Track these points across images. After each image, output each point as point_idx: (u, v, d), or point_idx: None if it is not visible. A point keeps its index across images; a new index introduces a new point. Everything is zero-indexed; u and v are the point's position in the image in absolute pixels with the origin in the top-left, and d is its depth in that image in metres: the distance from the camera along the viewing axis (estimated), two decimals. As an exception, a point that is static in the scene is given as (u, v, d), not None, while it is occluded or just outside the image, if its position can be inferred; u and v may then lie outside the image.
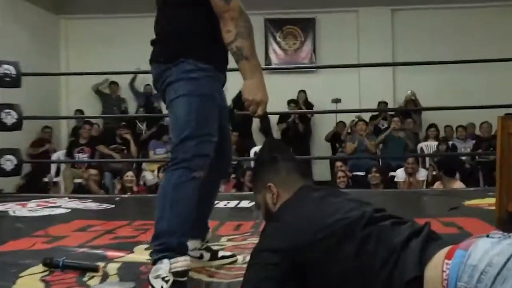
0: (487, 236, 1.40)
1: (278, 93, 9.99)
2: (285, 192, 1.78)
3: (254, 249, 1.65)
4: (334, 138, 9.60)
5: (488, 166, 7.92)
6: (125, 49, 10.00)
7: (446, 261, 1.37)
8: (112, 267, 2.32)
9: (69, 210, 4.02)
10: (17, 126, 4.93)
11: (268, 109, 7.90)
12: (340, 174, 6.71)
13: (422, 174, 7.40)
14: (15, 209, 4.06)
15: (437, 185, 6.33)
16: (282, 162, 1.84)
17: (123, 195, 5.55)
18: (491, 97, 7.92)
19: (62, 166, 8.42)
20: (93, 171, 6.71)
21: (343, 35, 10.37)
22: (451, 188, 5.74)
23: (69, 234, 3.10)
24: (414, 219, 1.66)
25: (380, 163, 8.17)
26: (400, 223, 1.58)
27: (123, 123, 9.20)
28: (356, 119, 9.13)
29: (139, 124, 9.77)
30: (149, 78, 10.16)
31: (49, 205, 4.28)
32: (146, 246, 2.70)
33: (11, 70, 4.86)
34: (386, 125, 9.36)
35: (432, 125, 9.47)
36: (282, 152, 1.91)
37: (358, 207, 1.63)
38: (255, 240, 2.76)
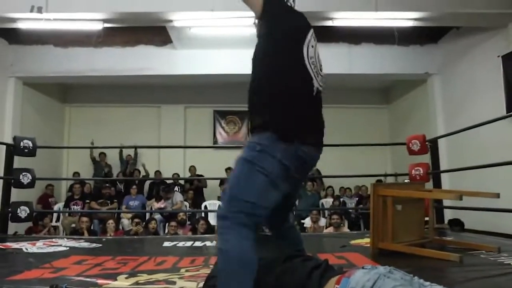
0: (363, 267, 1.48)
1: (223, 163, 10.31)
2: None
3: (210, 273, 1.65)
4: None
5: (367, 216, 8.34)
6: (112, 129, 10.22)
7: (336, 286, 1.45)
8: None
9: (68, 248, 3.90)
10: (31, 185, 4.83)
11: (214, 175, 7.93)
12: None
13: (322, 222, 7.54)
14: (27, 247, 3.91)
15: (331, 229, 6.41)
16: None
17: (107, 237, 5.40)
18: (368, 169, 8.53)
19: (61, 214, 8.24)
20: (84, 219, 6.49)
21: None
22: (341, 232, 5.93)
23: (69, 266, 3.01)
24: (317, 255, 1.78)
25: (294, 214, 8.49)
26: (307, 260, 1.63)
27: (107, 184, 9.02)
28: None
29: (119, 184, 9.64)
30: (129, 151, 10.80)
31: (52, 244, 4.14)
32: (126, 275, 2.65)
33: (29, 143, 4.83)
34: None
35: (330, 187, 9.78)
36: None
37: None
38: (206, 270, 2.74)
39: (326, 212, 8.53)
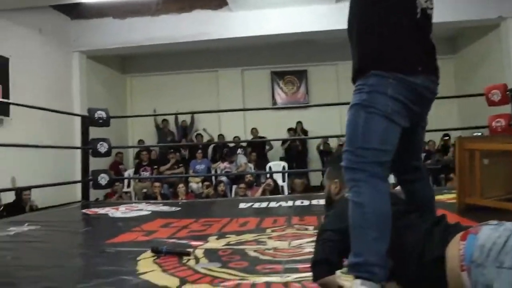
0: (487, 224, 1.39)
1: (283, 123, 10.21)
2: (344, 189, 1.80)
3: (320, 228, 1.63)
4: (322, 154, 9.65)
5: (436, 171, 8.02)
6: (172, 96, 10.43)
7: (461, 242, 1.37)
8: (199, 253, 2.29)
9: (150, 212, 4.03)
10: (108, 153, 5.02)
11: (275, 136, 7.96)
12: None
13: (391, 179, 7.35)
14: (112, 212, 4.08)
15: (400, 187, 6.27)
16: None
17: (183, 200, 5.55)
18: (433, 124, 8.30)
19: (132, 180, 8.58)
20: (157, 184, 6.77)
21: (327, 82, 10.48)
22: None
23: (157, 229, 3.09)
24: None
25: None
26: (425, 215, 1.57)
27: (171, 150, 9.23)
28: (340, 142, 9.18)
29: (183, 150, 9.91)
30: (185, 117, 11.04)
31: (134, 208, 4.29)
32: (215, 237, 2.71)
33: (103, 114, 4.97)
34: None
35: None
36: None
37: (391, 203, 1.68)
38: (291, 230, 2.82)
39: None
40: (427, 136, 9.04)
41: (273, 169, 8.51)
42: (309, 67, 10.74)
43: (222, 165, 8.35)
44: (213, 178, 8.08)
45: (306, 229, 2.86)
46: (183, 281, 1.78)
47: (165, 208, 4.27)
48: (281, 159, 9.86)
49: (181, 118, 10.54)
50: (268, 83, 10.80)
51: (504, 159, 3.28)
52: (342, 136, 9.51)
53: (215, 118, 10.58)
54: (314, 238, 2.34)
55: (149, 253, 2.29)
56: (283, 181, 8.20)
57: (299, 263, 2.01)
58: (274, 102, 10.69)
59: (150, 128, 10.59)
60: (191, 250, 2.32)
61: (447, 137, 9.40)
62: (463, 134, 9.18)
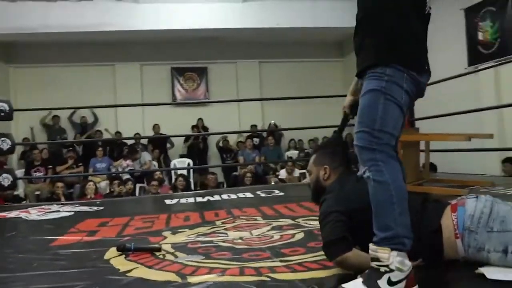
0: (467, 197, 1.60)
1: (183, 120, 10.00)
2: (334, 174, 1.88)
3: (323, 211, 1.68)
4: (222, 151, 9.58)
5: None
6: (63, 91, 9.56)
7: (452, 214, 1.58)
8: (167, 248, 2.19)
9: (72, 212, 3.69)
10: (11, 150, 4.45)
11: (175, 132, 7.88)
12: (248, 174, 6.83)
13: (296, 173, 7.59)
14: (25, 215, 3.61)
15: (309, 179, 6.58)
16: (338, 155, 1.91)
17: (98, 200, 5.03)
18: (323, 121, 8.52)
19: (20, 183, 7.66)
20: (60, 184, 6.28)
21: (227, 79, 10.56)
22: None
23: (98, 229, 2.87)
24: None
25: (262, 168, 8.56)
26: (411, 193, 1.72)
27: (70, 148, 8.62)
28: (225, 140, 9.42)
29: (77, 147, 9.26)
30: (84, 112, 10.25)
31: (49, 210, 3.86)
32: (169, 232, 2.63)
33: (5, 107, 4.38)
34: (258, 142, 9.68)
35: (292, 140, 9.97)
36: (340, 148, 1.96)
37: None
38: (242, 222, 2.80)
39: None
40: (324, 132, 9.66)
41: (178, 166, 8.33)
42: (209, 65, 10.70)
43: (125, 163, 7.93)
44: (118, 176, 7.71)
45: (256, 219, 2.87)
46: (181, 275, 1.71)
47: (86, 208, 3.97)
48: (181, 156, 9.71)
49: (78, 115, 9.79)
50: (168, 79, 10.55)
51: (411, 149, 3.63)
52: (243, 132, 9.76)
53: (112, 114, 10.01)
54: (270, 227, 2.46)
55: (114, 252, 2.15)
56: (189, 178, 8.03)
57: (282, 248, 2.06)
58: (174, 99, 10.52)
59: (37, 124, 9.57)
60: (160, 245, 2.20)
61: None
62: (352, 132, 10.00)
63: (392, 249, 1.38)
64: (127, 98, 9.51)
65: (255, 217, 2.96)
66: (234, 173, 8.69)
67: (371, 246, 1.42)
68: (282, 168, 7.95)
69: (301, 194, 3.95)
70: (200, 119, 10.02)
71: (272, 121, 10.17)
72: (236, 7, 8.26)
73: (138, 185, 7.56)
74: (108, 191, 6.69)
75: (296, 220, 2.73)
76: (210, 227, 2.73)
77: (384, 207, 1.43)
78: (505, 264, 1.48)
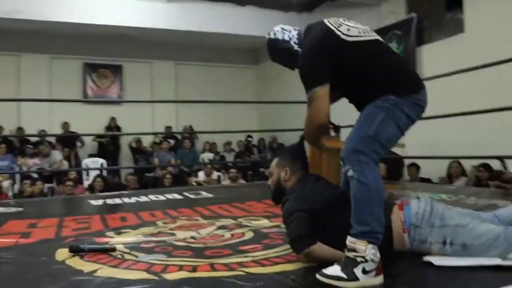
0: (410, 198, 1.97)
1: (95, 119, 9.56)
2: (294, 176, 2.01)
3: (288, 210, 1.81)
4: (134, 151, 9.31)
5: (245, 169, 8.90)
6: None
7: (400, 212, 1.80)
8: (120, 248, 2.14)
9: (-13, 214, 3.57)
10: None
11: (87, 131, 7.71)
12: (167, 176, 6.65)
13: (215, 175, 7.56)
14: None
15: (229, 182, 6.32)
16: (299, 159, 2.05)
17: (11, 200, 4.68)
18: (237, 126, 8.83)
19: None
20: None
21: (142, 79, 10.28)
22: (239, 184, 6.05)
23: (29, 231, 2.67)
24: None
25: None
26: None
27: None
28: (159, 140, 9.11)
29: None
30: None
31: None
32: (112, 232, 2.55)
33: None
34: (173, 143, 9.46)
35: (207, 142, 9.79)
36: (300, 154, 2.08)
37: (332, 187, 1.97)
38: (184, 222, 2.78)
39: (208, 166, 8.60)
40: (236, 137, 9.91)
41: (91, 166, 7.89)
42: (124, 63, 10.35)
43: (31, 161, 7.38)
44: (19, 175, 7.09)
45: (198, 220, 2.86)
46: (154, 273, 1.69)
47: (3, 209, 3.55)
48: (91, 156, 9.23)
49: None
50: (79, 75, 9.97)
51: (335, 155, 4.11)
52: (159, 133, 9.66)
53: (13, 108, 9.14)
54: (215, 227, 2.53)
55: (66, 253, 2.06)
56: (106, 178, 7.71)
57: (240, 245, 2.12)
58: (85, 96, 9.94)
59: None
60: (114, 246, 2.16)
61: (250, 138, 10.29)
62: (264, 137, 10.37)
63: (369, 242, 1.56)
64: (33, 92, 8.87)
65: (195, 218, 2.95)
66: (147, 174, 8.57)
67: (349, 238, 1.58)
68: (198, 170, 7.95)
69: (230, 196, 4.00)
70: (113, 118, 9.59)
71: (188, 124, 10.12)
72: (159, 7, 8.07)
73: (46, 185, 7.08)
74: (12, 192, 6.19)
75: (238, 220, 2.76)
76: (154, 227, 2.68)
77: (363, 205, 1.59)
78: (443, 253, 1.71)
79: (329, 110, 1.83)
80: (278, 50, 1.93)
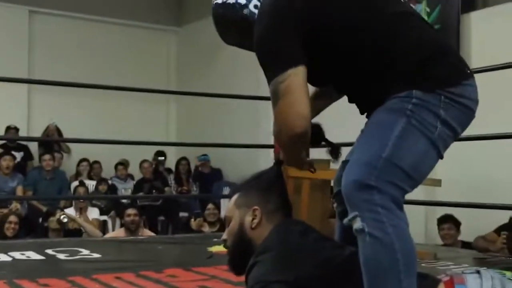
0: (462, 272, 1.75)
1: None
2: (268, 222, 1.85)
3: (256, 281, 1.65)
4: None
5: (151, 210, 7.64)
6: None
7: None
8: None
9: None
10: None
11: None
12: (11, 219, 6.17)
13: (95, 213, 7.13)
14: None
15: (121, 232, 6.20)
16: (275, 194, 1.91)
17: None
18: (140, 132, 8.10)
19: None
20: None
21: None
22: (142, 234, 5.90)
23: None
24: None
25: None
26: None
27: None
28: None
29: None
30: None
31: None
32: None
33: None
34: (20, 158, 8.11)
35: (84, 160, 8.37)
36: (279, 187, 1.95)
37: (331, 245, 1.84)
38: None
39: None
40: (138, 154, 8.24)
41: None
42: None
43: None
44: None
45: None
46: None
47: None
48: None
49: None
50: None
51: (318, 192, 3.91)
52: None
53: None
54: None
55: None
56: None
57: None
58: None
59: None
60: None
61: (162, 157, 8.74)
62: (188, 155, 9.48)
63: None
64: None
65: None
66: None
67: None
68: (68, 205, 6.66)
69: (133, 257, 3.80)
70: None
71: (52, 120, 8.22)
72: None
73: None
74: None
75: None
76: None
77: (385, 277, 1.43)
78: None
79: (309, 109, 1.56)
80: (231, 22, 1.78)
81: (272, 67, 1.54)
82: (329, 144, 2.03)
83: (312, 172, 1.99)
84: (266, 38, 1.59)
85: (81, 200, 6.82)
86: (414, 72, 1.51)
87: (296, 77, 1.52)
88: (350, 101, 1.68)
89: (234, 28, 1.80)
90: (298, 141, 1.58)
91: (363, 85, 1.59)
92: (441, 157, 1.56)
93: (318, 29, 1.54)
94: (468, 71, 1.59)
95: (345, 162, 1.74)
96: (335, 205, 1.90)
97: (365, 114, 1.64)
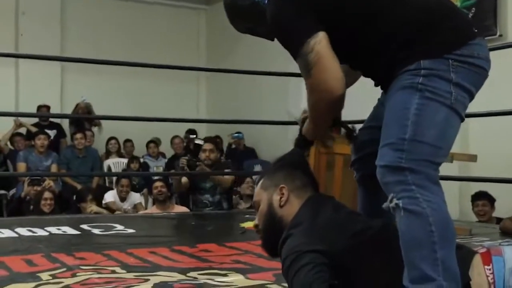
0: (499, 244, 1.70)
1: None
2: (296, 198, 1.84)
3: (291, 251, 1.64)
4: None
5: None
6: None
7: (486, 267, 1.62)
8: None
9: None
10: None
11: None
12: (46, 195, 6.18)
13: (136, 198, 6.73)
14: None
15: (154, 208, 6.14)
16: (300, 173, 1.89)
17: None
18: (171, 110, 8.03)
19: None
20: None
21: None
22: (171, 210, 5.83)
23: None
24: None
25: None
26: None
27: None
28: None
29: None
30: None
31: None
32: None
33: None
34: (53, 136, 8.12)
35: (112, 138, 8.38)
36: (303, 165, 1.95)
37: (364, 219, 1.87)
38: (88, 274, 2.54)
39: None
40: (168, 131, 8.36)
41: None
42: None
43: None
44: None
45: (114, 271, 2.61)
46: None
47: None
48: None
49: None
50: None
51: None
52: (25, 115, 8.14)
53: None
54: (151, 285, 2.34)
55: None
56: None
57: None
58: None
59: None
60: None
61: (194, 135, 8.54)
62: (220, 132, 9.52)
63: None
64: None
65: (110, 268, 2.62)
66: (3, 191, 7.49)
67: None
68: (103, 188, 6.64)
69: (165, 232, 3.78)
70: None
71: (83, 98, 8.29)
72: None
73: None
74: None
75: (189, 275, 2.50)
76: (34, 284, 2.35)
77: (420, 248, 1.46)
78: None
79: (341, 70, 1.61)
80: (241, 9, 1.81)
81: (294, 42, 1.57)
82: (344, 127, 2.08)
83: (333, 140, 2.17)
84: (280, 16, 1.62)
85: (125, 187, 6.88)
86: (417, 41, 1.54)
87: (320, 44, 1.54)
88: (365, 75, 1.74)
89: (245, 14, 1.83)
90: (338, 104, 1.62)
91: (371, 59, 1.66)
92: (463, 120, 1.58)
93: (327, 8, 1.64)
94: (475, 30, 1.60)
95: (362, 129, 1.86)
96: (354, 174, 1.94)
97: (379, 86, 1.70)
